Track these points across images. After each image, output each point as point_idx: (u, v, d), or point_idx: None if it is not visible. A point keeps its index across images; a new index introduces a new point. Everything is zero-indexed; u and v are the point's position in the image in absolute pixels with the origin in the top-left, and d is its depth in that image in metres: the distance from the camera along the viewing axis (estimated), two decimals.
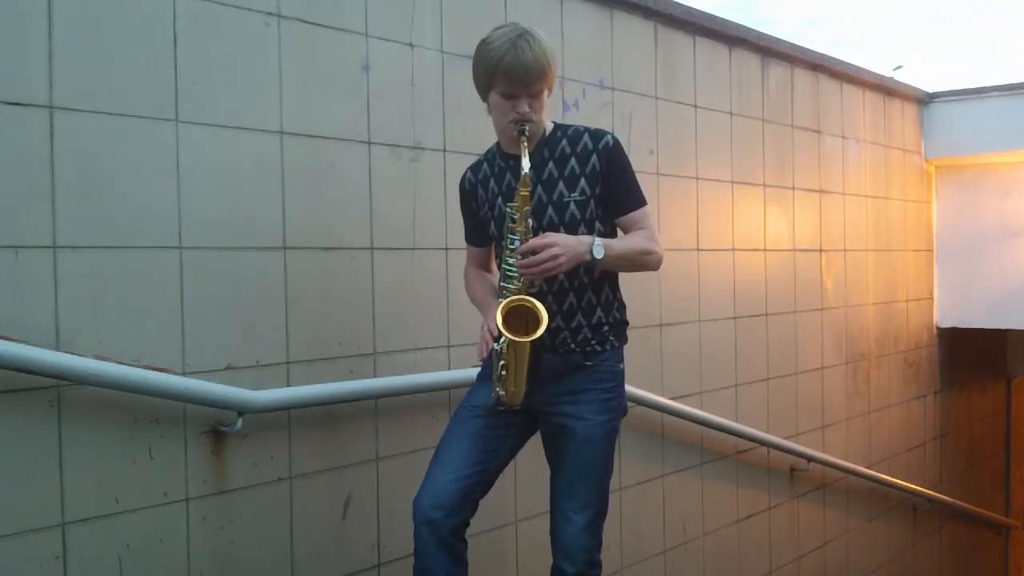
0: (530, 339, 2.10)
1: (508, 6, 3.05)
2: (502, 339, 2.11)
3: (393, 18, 2.72)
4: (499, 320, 2.09)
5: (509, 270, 2.17)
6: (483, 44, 2.20)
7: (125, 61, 2.13)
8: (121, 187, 2.13)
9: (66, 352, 2.01)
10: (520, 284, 2.15)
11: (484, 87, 2.21)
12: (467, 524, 2.21)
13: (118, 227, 2.12)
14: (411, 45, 2.77)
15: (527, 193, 2.13)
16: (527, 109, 2.15)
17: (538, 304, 2.12)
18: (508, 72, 2.12)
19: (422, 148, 2.80)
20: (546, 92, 2.20)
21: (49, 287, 2.01)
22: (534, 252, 2.09)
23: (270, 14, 2.41)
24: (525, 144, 2.13)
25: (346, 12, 2.60)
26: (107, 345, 2.09)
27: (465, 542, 2.22)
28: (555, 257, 2.08)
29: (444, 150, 2.86)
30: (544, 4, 3.23)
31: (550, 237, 2.12)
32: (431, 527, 2.15)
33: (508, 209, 2.17)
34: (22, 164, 1.97)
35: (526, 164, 2.10)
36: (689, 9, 3.82)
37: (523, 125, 2.14)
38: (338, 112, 2.59)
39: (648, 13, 3.66)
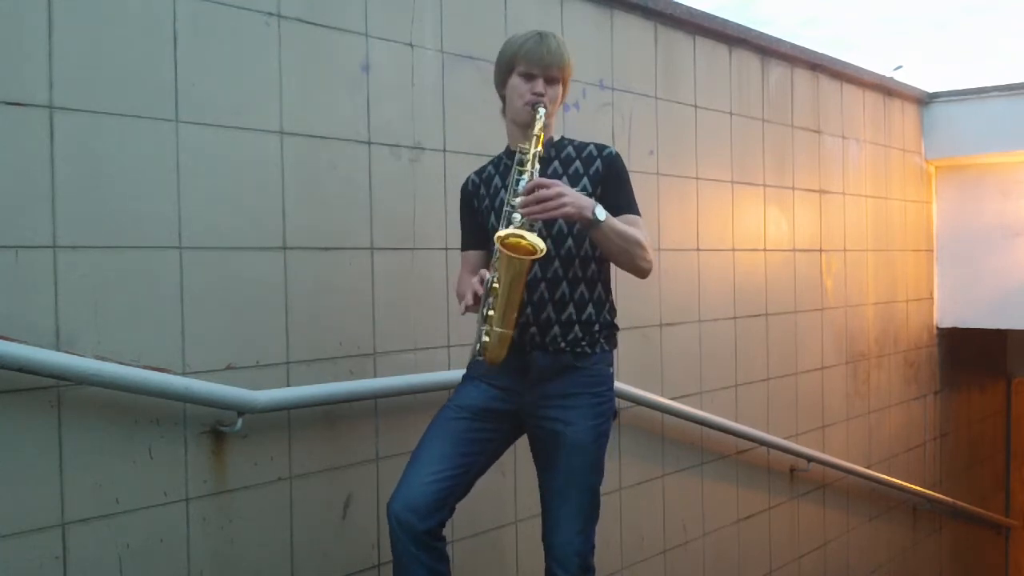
0: (529, 257, 2.02)
1: (508, 6, 3.05)
2: (492, 276, 2.06)
3: (393, 18, 2.72)
4: (496, 241, 2.03)
5: (511, 211, 2.11)
6: (507, 40, 2.29)
7: (125, 61, 2.13)
8: (121, 187, 2.13)
9: (66, 352, 2.01)
10: (521, 225, 2.08)
11: (504, 72, 2.26)
12: (443, 525, 2.18)
13: (118, 227, 2.12)
14: (411, 45, 2.78)
15: (539, 135, 2.14)
16: (542, 90, 2.21)
17: (535, 237, 2.03)
18: (530, 51, 2.21)
19: (422, 148, 2.80)
20: (561, 88, 2.27)
21: (49, 287, 2.01)
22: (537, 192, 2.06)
23: (270, 14, 2.41)
24: (540, 113, 2.17)
25: (346, 12, 2.60)
26: (107, 345, 2.09)
27: (444, 540, 2.18)
28: (560, 196, 2.05)
29: (444, 150, 2.86)
30: (544, 4, 3.23)
31: (557, 181, 2.11)
32: (405, 530, 2.12)
33: (519, 150, 2.16)
34: (22, 164, 1.97)
35: (541, 111, 2.15)
36: (689, 9, 3.82)
37: (538, 103, 2.19)
38: (338, 112, 2.59)
39: (648, 13, 3.66)
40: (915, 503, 5.65)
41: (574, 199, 2.07)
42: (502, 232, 2.05)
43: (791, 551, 4.54)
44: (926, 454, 5.86)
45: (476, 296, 2.08)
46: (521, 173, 2.13)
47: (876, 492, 5.22)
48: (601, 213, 2.10)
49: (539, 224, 2.13)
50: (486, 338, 2.10)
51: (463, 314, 2.16)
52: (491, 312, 2.08)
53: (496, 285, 2.06)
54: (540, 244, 2.02)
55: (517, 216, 2.07)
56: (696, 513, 3.93)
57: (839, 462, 4.74)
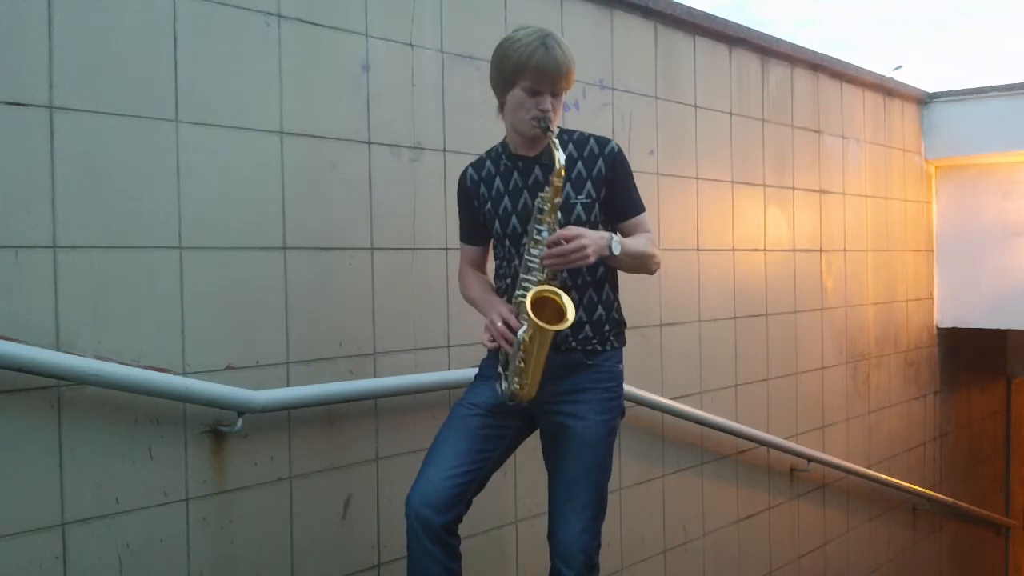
0: (560, 327, 2.08)
1: (508, 6, 3.05)
2: (523, 330, 2.10)
3: (393, 18, 2.72)
4: (528, 307, 2.07)
5: (532, 261, 2.15)
6: (508, 41, 2.21)
7: (125, 61, 2.13)
8: (121, 187, 2.13)
9: (66, 352, 2.01)
10: (544, 275, 2.14)
11: (507, 83, 2.21)
12: (460, 520, 2.21)
13: (118, 227, 2.12)
14: (411, 45, 2.78)
15: (560, 184, 2.12)
16: (549, 107, 2.18)
17: (564, 295, 2.12)
18: (539, 68, 2.14)
19: (422, 148, 2.80)
20: (564, 95, 2.24)
21: (49, 287, 2.01)
22: (559, 244, 2.10)
23: (270, 14, 2.41)
24: (552, 136, 2.15)
25: (346, 12, 2.60)
26: (107, 345, 2.10)
27: (458, 537, 2.20)
28: (583, 247, 2.08)
29: (444, 150, 2.86)
30: (544, 4, 3.23)
31: (577, 229, 2.12)
32: (423, 525, 2.14)
33: (538, 200, 2.16)
34: (22, 164, 1.97)
35: (560, 156, 2.10)
36: (689, 9, 3.82)
37: (545, 122, 2.17)
38: (338, 112, 2.59)
39: (648, 13, 3.66)
40: (915, 503, 5.65)
41: (595, 247, 2.10)
42: (530, 294, 2.10)
43: (791, 551, 4.54)
44: (926, 454, 5.87)
45: (507, 341, 2.15)
46: (541, 223, 2.14)
47: (876, 492, 5.22)
48: (616, 247, 2.15)
49: (563, 274, 2.18)
50: (517, 387, 2.16)
51: (487, 348, 2.23)
52: (522, 364, 2.14)
53: (527, 344, 2.11)
54: (571, 312, 2.09)
55: (536, 272, 2.14)
56: (696, 513, 3.93)
57: (839, 462, 4.74)
